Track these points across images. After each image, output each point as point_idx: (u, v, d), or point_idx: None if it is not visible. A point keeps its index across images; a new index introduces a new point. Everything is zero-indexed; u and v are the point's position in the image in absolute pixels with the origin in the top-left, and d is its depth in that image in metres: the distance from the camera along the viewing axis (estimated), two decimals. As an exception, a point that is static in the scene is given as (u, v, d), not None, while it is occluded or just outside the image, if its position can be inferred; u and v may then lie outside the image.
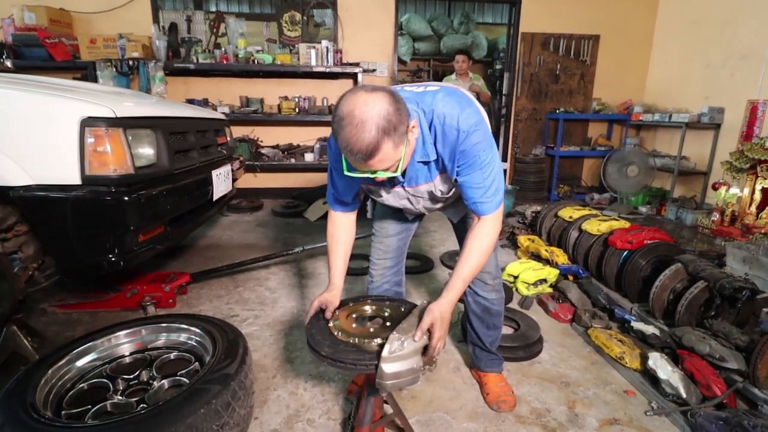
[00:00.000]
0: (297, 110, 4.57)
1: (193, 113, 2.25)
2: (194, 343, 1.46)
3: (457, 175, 1.16)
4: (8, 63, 2.86)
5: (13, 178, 1.42)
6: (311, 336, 1.15)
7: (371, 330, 1.16)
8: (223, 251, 3.23)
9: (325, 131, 4.86)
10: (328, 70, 4.45)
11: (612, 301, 2.28)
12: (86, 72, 4.04)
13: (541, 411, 1.57)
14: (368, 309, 1.29)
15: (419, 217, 1.54)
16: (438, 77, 8.13)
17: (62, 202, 1.41)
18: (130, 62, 4.01)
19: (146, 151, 1.64)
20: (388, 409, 1.34)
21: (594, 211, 3.04)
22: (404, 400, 1.59)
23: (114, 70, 3.96)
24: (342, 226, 1.37)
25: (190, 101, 4.45)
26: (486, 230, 1.16)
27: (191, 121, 2.13)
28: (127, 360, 1.43)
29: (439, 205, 1.39)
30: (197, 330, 1.44)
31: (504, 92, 5.53)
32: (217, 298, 2.47)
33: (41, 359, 1.29)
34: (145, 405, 1.21)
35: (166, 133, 1.78)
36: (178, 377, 1.34)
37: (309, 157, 4.66)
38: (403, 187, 1.25)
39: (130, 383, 1.33)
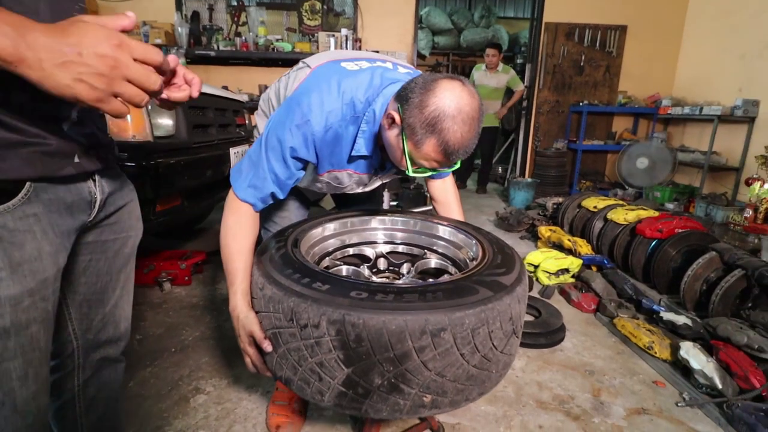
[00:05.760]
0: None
1: (212, 91, 2.24)
2: None
3: None
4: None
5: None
6: None
7: None
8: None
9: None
10: (347, 58, 4.42)
11: (639, 292, 2.17)
12: (110, 58, 4.11)
13: (564, 398, 1.50)
14: None
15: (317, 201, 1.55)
16: (458, 72, 8.04)
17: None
18: (153, 48, 4.07)
19: (165, 122, 1.62)
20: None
21: (620, 201, 2.93)
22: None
23: (137, 55, 4.02)
24: (256, 227, 1.08)
25: (210, 89, 4.47)
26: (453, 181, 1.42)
27: (210, 98, 2.11)
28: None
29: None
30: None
31: (525, 84, 5.41)
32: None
33: None
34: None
35: (185, 106, 1.77)
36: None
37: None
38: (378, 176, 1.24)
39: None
